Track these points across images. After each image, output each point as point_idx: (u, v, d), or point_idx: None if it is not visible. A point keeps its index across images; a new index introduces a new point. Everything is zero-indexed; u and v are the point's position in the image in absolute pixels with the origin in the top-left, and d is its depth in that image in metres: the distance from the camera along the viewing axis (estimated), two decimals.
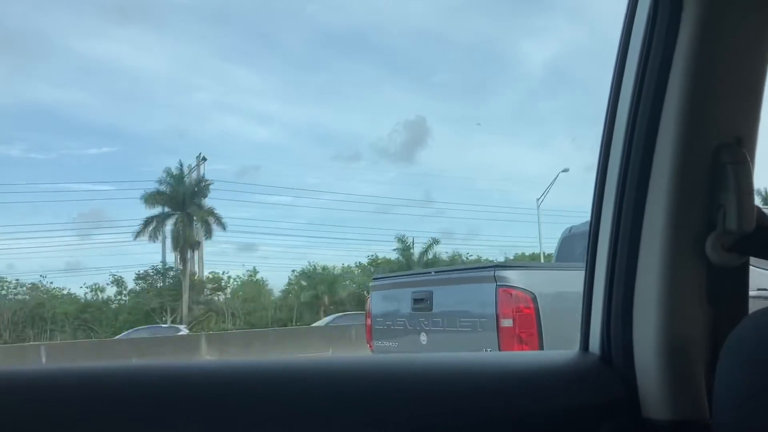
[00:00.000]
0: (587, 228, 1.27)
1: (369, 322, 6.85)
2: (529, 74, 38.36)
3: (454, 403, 1.07)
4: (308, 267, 38.64)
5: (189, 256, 37.23)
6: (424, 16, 37.44)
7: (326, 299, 36.43)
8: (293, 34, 37.31)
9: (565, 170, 33.04)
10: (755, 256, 1.12)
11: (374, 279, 7.38)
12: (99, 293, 36.91)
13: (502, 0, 38.58)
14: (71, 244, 48.92)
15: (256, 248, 48.32)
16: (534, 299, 4.96)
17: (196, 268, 39.56)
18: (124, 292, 37.44)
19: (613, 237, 1.18)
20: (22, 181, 38.85)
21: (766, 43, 1.10)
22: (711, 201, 1.10)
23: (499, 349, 5.02)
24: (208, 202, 37.00)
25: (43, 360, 17.09)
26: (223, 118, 39.82)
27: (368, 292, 7.32)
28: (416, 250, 39.73)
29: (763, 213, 1.10)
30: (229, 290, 39.44)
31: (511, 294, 4.96)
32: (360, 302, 35.18)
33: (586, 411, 1.13)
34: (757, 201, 1.13)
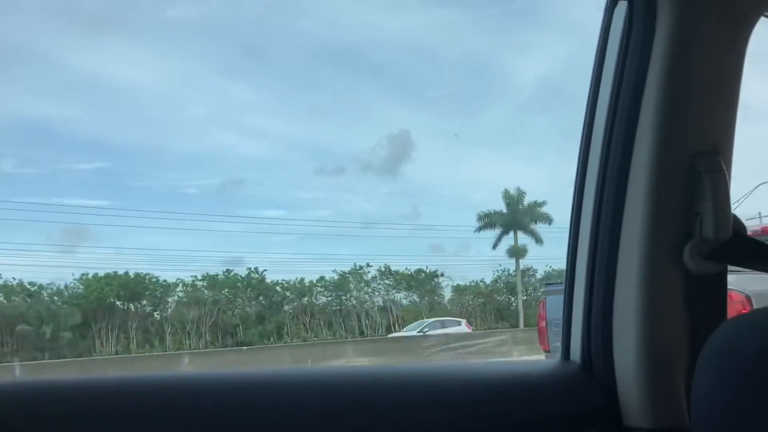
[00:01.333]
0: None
1: (543, 324, 7.46)
2: (521, 89, 39.21)
3: (433, 412, 1.06)
4: None
5: None
6: (417, 31, 38.45)
7: None
8: (286, 49, 37.52)
9: None
10: (732, 264, 1.13)
11: (548, 285, 8.79)
12: None
13: (493, 17, 38.16)
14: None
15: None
16: (749, 300, 5.03)
17: None
18: None
19: (592, 246, 1.18)
20: (14, 197, 38.62)
21: (740, 53, 1.11)
22: (688, 209, 1.10)
23: None
24: None
25: None
26: (216, 132, 40.52)
27: None
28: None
29: (740, 221, 1.11)
30: None
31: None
32: None
33: (567, 420, 1.13)
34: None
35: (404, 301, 34.76)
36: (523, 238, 35.79)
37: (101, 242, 42.81)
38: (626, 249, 1.13)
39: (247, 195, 41.32)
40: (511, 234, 35.56)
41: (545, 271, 34.87)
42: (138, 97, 38.54)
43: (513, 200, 36.34)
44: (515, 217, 35.95)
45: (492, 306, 34.63)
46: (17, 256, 32.56)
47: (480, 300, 34.75)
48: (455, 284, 34.89)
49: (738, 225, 1.10)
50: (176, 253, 47.27)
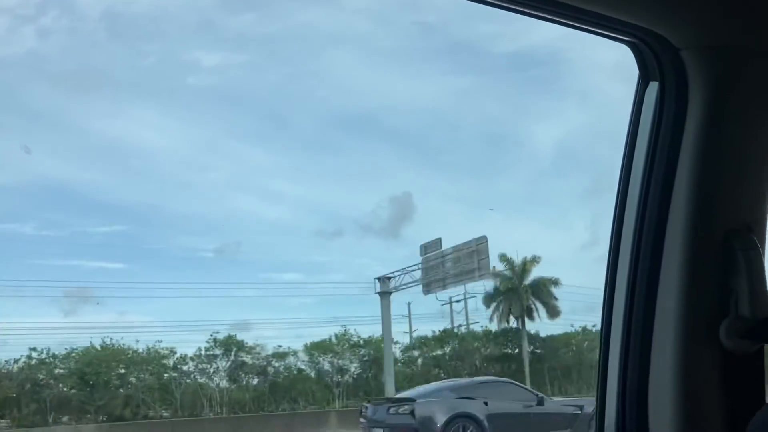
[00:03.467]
0: None
1: None
2: (536, 154, 36.64)
3: None
4: None
5: None
6: (433, 98, 35.24)
7: None
8: (304, 115, 34.19)
9: None
10: None
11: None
12: None
13: (510, 84, 36.22)
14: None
15: None
16: None
17: None
18: None
19: (626, 326, 1.17)
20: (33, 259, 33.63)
21: None
22: (723, 287, 1.10)
23: None
24: None
25: None
26: (233, 196, 36.01)
27: None
28: None
29: None
30: None
31: None
32: None
33: None
34: None
35: None
36: None
37: (108, 306, 37.60)
38: (661, 327, 1.12)
39: (262, 258, 38.66)
40: None
41: None
42: (158, 162, 35.95)
43: None
44: None
45: None
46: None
47: None
48: None
49: None
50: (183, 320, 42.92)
